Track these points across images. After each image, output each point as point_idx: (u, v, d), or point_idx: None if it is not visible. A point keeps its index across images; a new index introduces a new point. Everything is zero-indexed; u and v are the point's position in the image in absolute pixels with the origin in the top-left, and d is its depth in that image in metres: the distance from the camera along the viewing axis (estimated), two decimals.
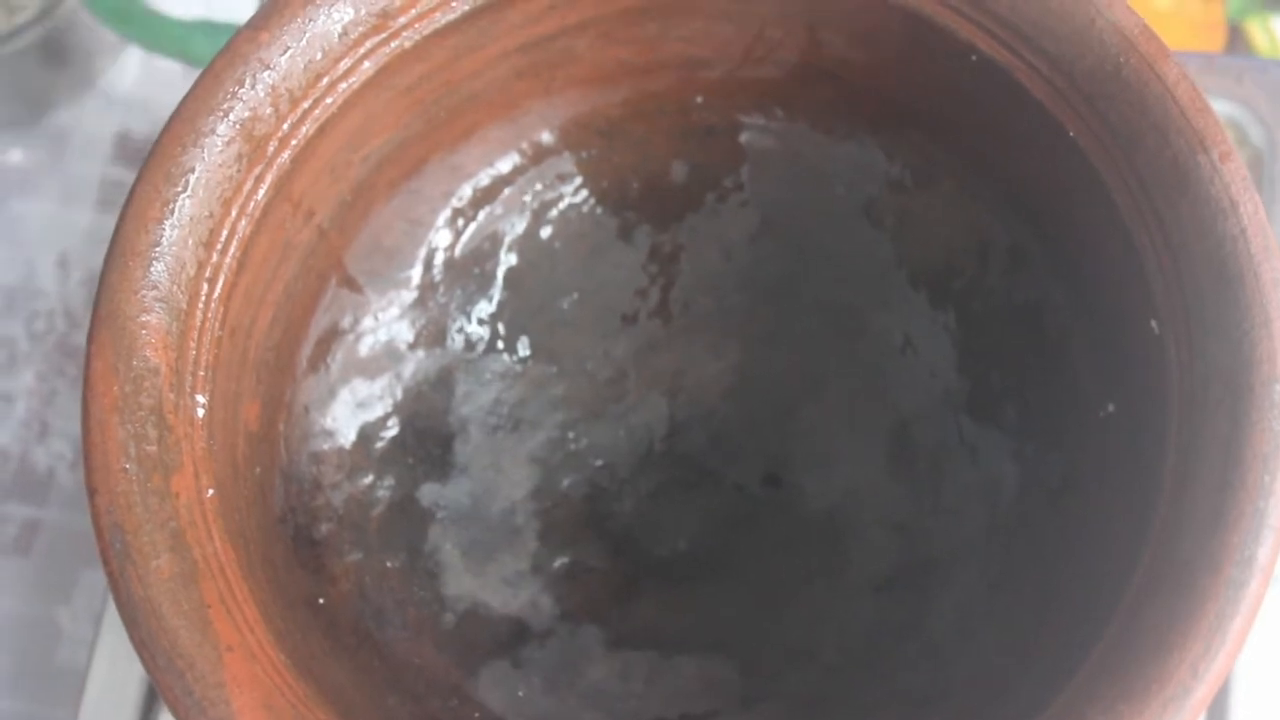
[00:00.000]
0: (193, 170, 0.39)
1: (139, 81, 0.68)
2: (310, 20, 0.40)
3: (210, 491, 0.38)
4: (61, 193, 0.65)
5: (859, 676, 0.45)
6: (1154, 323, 0.39)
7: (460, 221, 0.49)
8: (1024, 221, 0.45)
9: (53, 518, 0.60)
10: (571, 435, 0.50)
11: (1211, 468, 0.36)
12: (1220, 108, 0.54)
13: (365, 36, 0.41)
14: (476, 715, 0.44)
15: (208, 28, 0.60)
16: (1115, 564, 0.38)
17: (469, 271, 0.49)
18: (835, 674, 0.46)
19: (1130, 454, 0.41)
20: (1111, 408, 0.43)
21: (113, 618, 0.50)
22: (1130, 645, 0.35)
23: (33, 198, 0.65)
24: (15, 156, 0.66)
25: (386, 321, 0.48)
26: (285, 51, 0.40)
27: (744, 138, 0.49)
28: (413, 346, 0.48)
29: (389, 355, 0.48)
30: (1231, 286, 0.37)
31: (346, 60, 0.41)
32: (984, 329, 0.47)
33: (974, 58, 0.42)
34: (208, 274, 0.39)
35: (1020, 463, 0.46)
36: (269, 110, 0.40)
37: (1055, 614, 0.41)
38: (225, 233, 0.40)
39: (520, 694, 0.45)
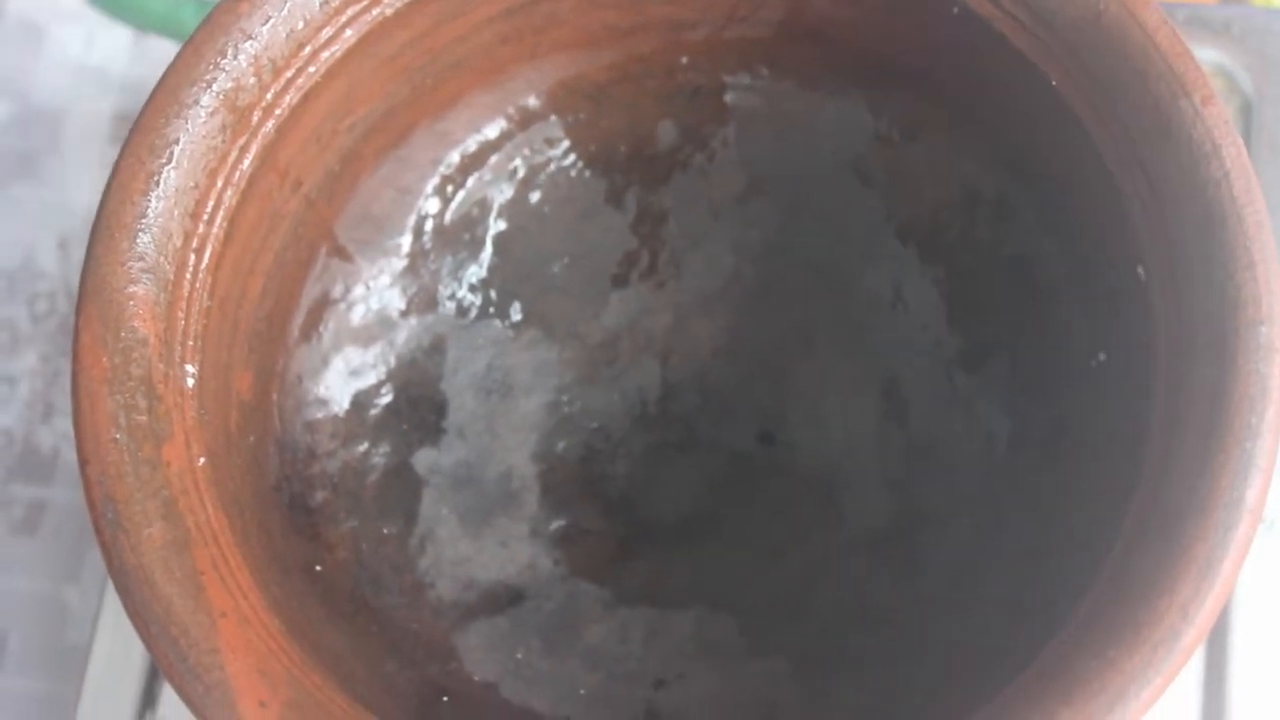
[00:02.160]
0: (177, 142, 0.39)
1: (133, 61, 0.68)
2: None
3: (202, 460, 0.38)
4: (59, 175, 0.65)
5: (855, 631, 0.46)
6: (1140, 269, 0.39)
7: (449, 188, 0.49)
8: (1011, 173, 0.45)
9: (59, 497, 0.61)
10: (565, 399, 0.50)
11: (1199, 412, 0.36)
12: (1208, 56, 0.54)
13: (347, 4, 0.41)
14: (475, 678, 0.45)
15: (195, 3, 0.60)
16: (1107, 512, 0.38)
17: (459, 238, 0.49)
18: (831, 630, 0.46)
19: (1121, 402, 0.41)
20: (1103, 356, 0.43)
21: (114, 593, 0.50)
22: (1120, 590, 0.35)
23: (31, 181, 0.65)
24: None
25: (378, 289, 0.48)
26: (267, 21, 0.40)
27: (730, 98, 0.49)
28: (405, 314, 0.48)
29: (381, 323, 0.48)
30: (1215, 230, 0.37)
31: (328, 28, 0.41)
32: (974, 282, 0.47)
33: (955, 10, 0.42)
34: (194, 245, 0.39)
35: (1012, 415, 0.46)
36: (252, 80, 0.40)
37: (1048, 564, 0.41)
38: (211, 203, 0.40)
39: (519, 656, 0.45)
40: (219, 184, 0.40)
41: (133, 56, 0.68)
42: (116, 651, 0.50)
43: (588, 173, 0.50)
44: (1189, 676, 0.48)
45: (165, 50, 0.66)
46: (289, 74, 0.41)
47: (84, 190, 0.65)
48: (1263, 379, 0.36)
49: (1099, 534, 0.38)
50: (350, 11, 0.41)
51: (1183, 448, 0.36)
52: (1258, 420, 0.35)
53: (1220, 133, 0.38)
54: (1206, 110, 0.38)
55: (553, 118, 0.49)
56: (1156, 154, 0.38)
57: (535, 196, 0.50)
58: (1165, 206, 0.38)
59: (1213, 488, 0.35)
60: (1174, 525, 0.35)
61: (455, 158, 0.48)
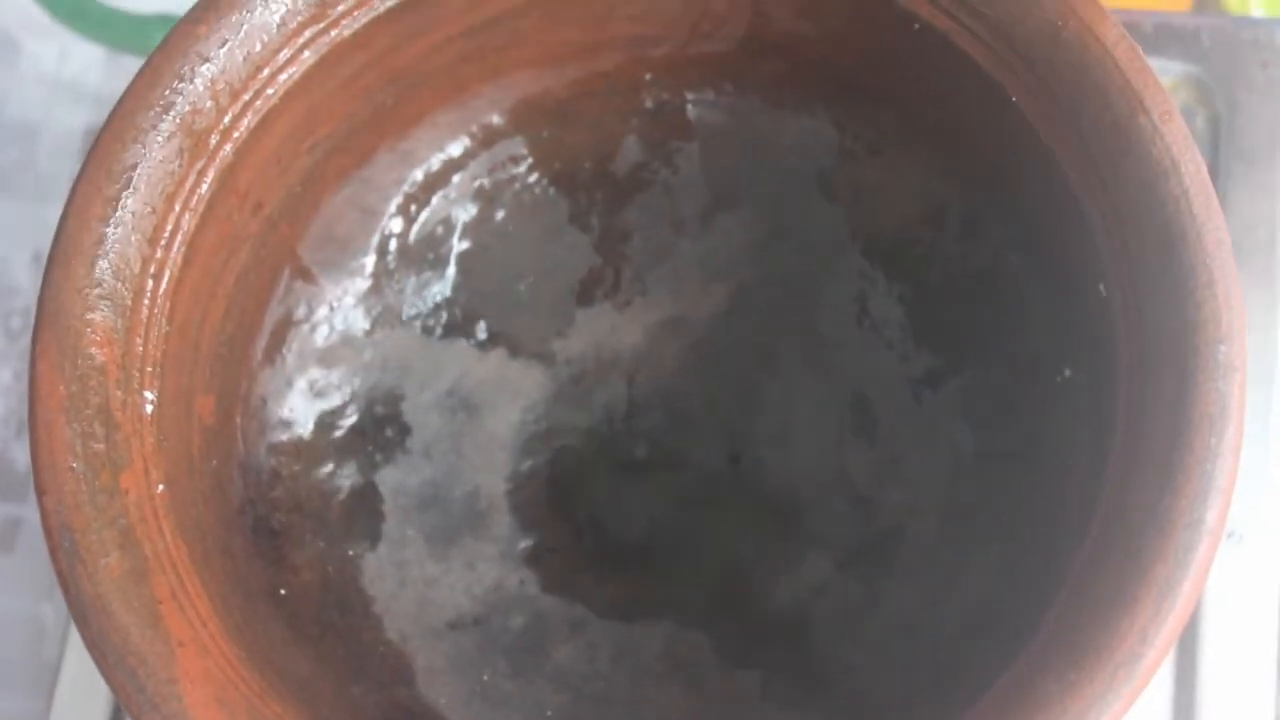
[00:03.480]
0: (134, 167, 0.39)
1: (108, 75, 0.68)
2: (248, 12, 0.40)
3: (161, 487, 0.38)
4: (34, 190, 0.65)
5: (822, 648, 0.45)
6: (1102, 286, 0.39)
7: (413, 208, 0.48)
8: (976, 189, 0.45)
9: (34, 515, 0.60)
10: (532, 418, 0.49)
11: (1160, 431, 0.36)
12: (1178, 67, 0.54)
13: (304, 26, 0.41)
14: (441, 701, 0.44)
15: (165, 22, 0.60)
16: (1069, 531, 0.38)
17: (423, 257, 0.49)
18: (799, 646, 0.46)
19: (1085, 419, 0.41)
20: (1068, 373, 0.43)
21: None
22: (1080, 612, 0.35)
23: (4, 195, 0.65)
24: None
25: (342, 310, 0.48)
26: (223, 44, 0.40)
27: (694, 114, 0.49)
28: (369, 334, 0.48)
29: (345, 344, 0.48)
30: (1175, 248, 0.37)
31: (286, 51, 0.41)
32: (940, 298, 0.47)
33: (916, 25, 0.42)
34: (153, 270, 0.39)
35: (978, 431, 0.45)
36: (209, 104, 0.40)
37: (1012, 584, 0.41)
38: (169, 228, 0.40)
39: (485, 678, 0.45)
40: (177, 209, 0.40)
41: (107, 71, 0.68)
42: (85, 671, 0.50)
43: (552, 190, 0.50)
44: (1159, 691, 0.48)
45: (137, 67, 0.66)
46: (246, 97, 0.41)
47: (58, 205, 0.64)
48: (1223, 398, 0.35)
49: (1061, 553, 0.38)
50: (308, 34, 0.41)
51: (1144, 468, 0.36)
52: (1217, 441, 0.35)
53: (1179, 149, 0.38)
54: (1165, 127, 0.38)
55: (517, 135, 0.49)
56: (1116, 171, 0.38)
57: (500, 215, 0.49)
58: (1125, 224, 0.38)
59: (1172, 508, 0.35)
60: (1134, 546, 0.35)
61: (419, 176, 0.48)
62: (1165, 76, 0.51)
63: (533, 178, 0.50)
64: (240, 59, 0.40)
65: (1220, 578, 0.49)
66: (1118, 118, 0.38)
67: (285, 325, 0.46)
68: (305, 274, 0.47)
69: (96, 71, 0.68)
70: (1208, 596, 0.48)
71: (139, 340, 0.39)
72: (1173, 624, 0.34)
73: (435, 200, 0.49)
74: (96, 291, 0.38)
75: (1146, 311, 0.37)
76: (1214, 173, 0.50)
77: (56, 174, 0.66)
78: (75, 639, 0.50)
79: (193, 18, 0.40)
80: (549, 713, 0.45)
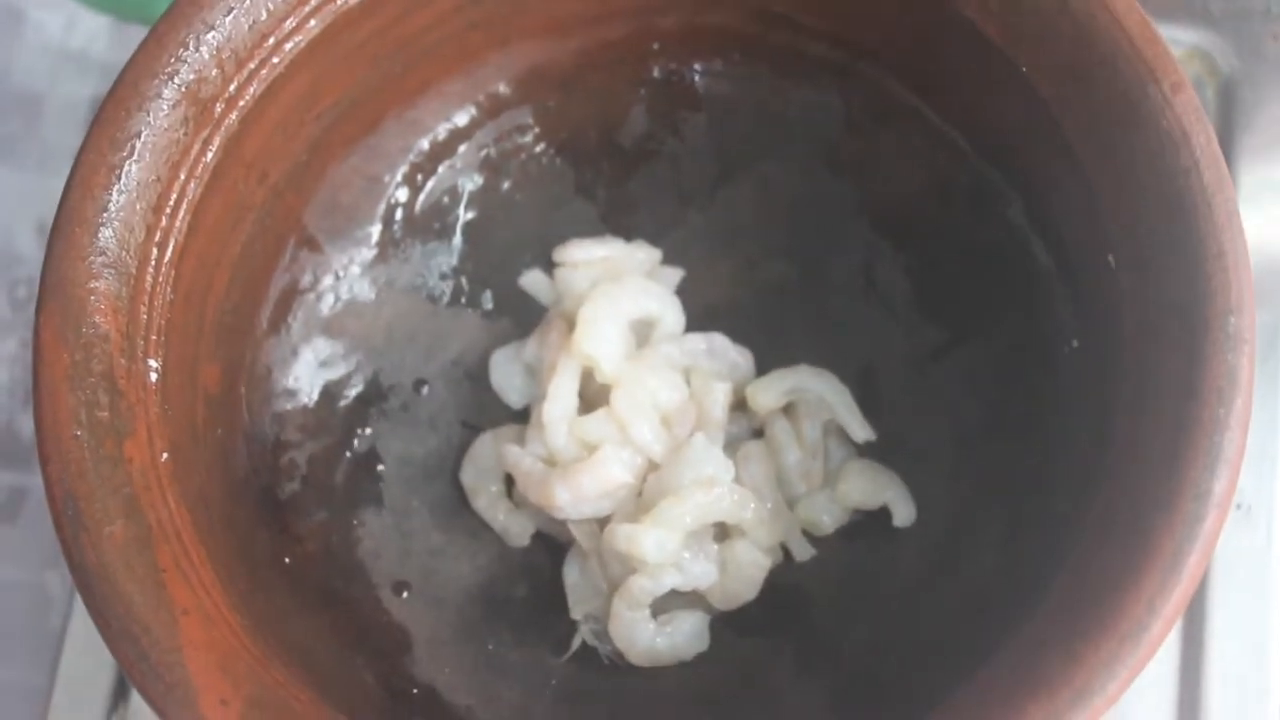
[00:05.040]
0: (138, 135, 0.39)
1: (114, 45, 0.67)
2: None
3: (165, 456, 0.38)
4: (39, 160, 0.65)
5: (825, 621, 0.45)
6: (1110, 257, 0.39)
7: (419, 177, 0.48)
8: (984, 161, 0.45)
9: (39, 484, 0.60)
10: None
11: (1168, 403, 0.36)
12: (1187, 37, 0.53)
13: None
14: (446, 670, 0.44)
15: None
16: (1075, 504, 0.38)
17: (429, 227, 0.49)
18: (806, 619, 0.46)
19: (1093, 391, 0.41)
20: (1075, 344, 0.43)
21: None
22: (1087, 584, 0.35)
23: (10, 165, 0.65)
24: None
25: (348, 279, 0.48)
26: (229, 12, 0.40)
27: (702, 85, 0.49)
28: (375, 303, 0.48)
29: (351, 313, 0.48)
30: (1184, 219, 0.37)
31: (292, 19, 0.41)
32: (947, 270, 0.47)
33: None
34: (157, 238, 0.39)
35: (984, 403, 0.45)
36: (214, 72, 0.40)
37: (1017, 556, 0.41)
38: (174, 196, 0.39)
39: (490, 648, 0.45)
40: (182, 177, 0.40)
41: (113, 40, 0.68)
42: (90, 641, 0.50)
43: (558, 160, 0.50)
44: (1165, 663, 0.48)
45: (141, 36, 0.66)
46: (252, 65, 0.41)
47: (63, 176, 0.64)
48: (1231, 370, 0.35)
49: (1067, 526, 0.38)
50: (314, 2, 0.41)
51: (1151, 440, 0.36)
52: (1226, 413, 0.35)
53: (1190, 121, 0.37)
54: (1176, 98, 0.38)
55: (523, 105, 0.49)
56: (1126, 142, 0.38)
57: (506, 185, 0.49)
58: (1135, 195, 0.38)
59: (1181, 480, 0.35)
60: (1141, 518, 0.35)
61: (425, 146, 0.48)
62: (1176, 48, 0.51)
63: (539, 148, 0.49)
64: (246, 27, 0.40)
65: (1227, 550, 0.48)
66: (1127, 88, 0.38)
67: (291, 294, 0.46)
68: (311, 243, 0.46)
69: (102, 41, 0.67)
70: (1215, 569, 0.48)
71: (143, 308, 0.39)
72: (1179, 596, 0.34)
73: (441, 170, 0.49)
74: (100, 260, 0.38)
75: (1155, 282, 0.37)
76: (1224, 144, 0.50)
77: (62, 144, 0.66)
78: (80, 608, 0.50)
79: None
80: (553, 682, 0.45)
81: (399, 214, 0.48)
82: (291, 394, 0.46)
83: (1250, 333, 0.36)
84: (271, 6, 0.40)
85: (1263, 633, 0.48)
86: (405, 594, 0.46)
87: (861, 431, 0.46)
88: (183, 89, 0.39)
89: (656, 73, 0.48)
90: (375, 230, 0.48)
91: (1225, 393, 0.35)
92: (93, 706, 0.50)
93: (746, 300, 0.49)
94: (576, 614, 0.46)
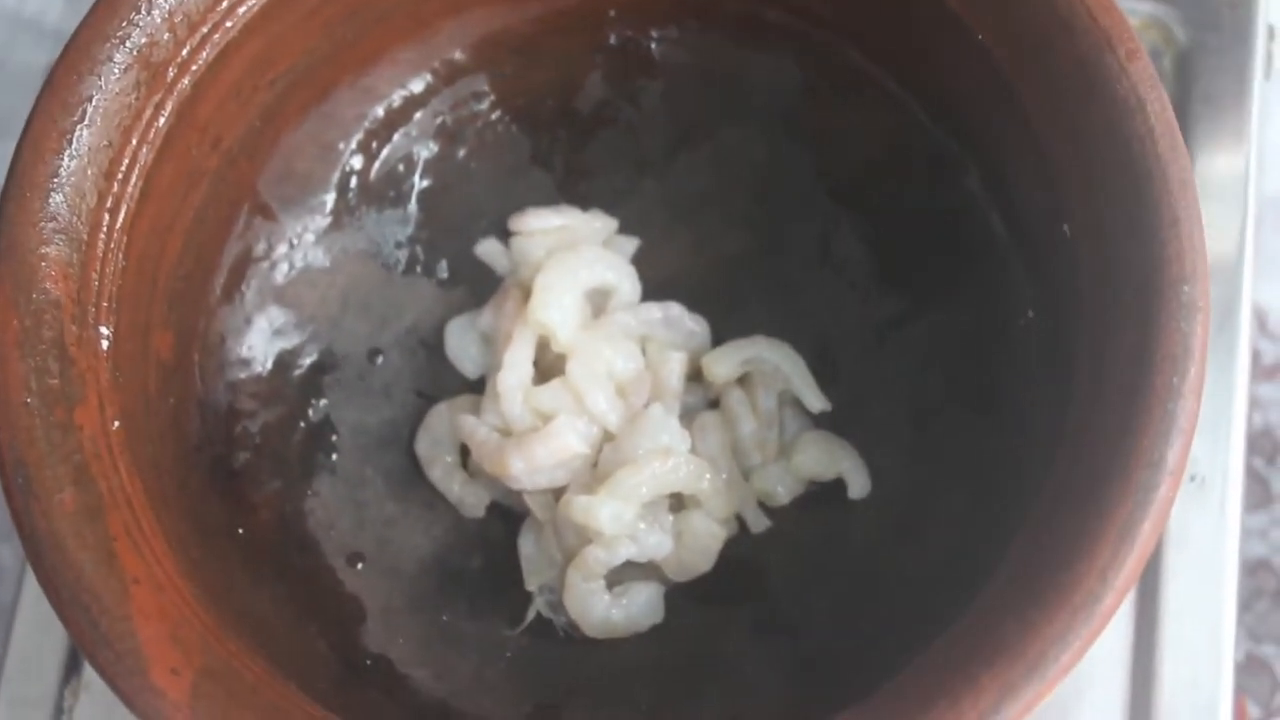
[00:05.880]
0: (90, 99, 0.39)
1: (68, 13, 0.67)
2: None
3: (116, 423, 0.38)
4: None
5: (784, 593, 0.45)
6: (1066, 227, 0.39)
7: (373, 144, 0.48)
8: (943, 130, 0.45)
9: None
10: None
11: (1122, 371, 0.36)
12: (1143, 7, 0.53)
13: None
14: (400, 641, 0.44)
15: None
16: (1032, 473, 0.38)
17: (384, 195, 0.48)
18: (761, 590, 0.46)
19: (1049, 360, 0.41)
20: (1031, 314, 0.43)
21: None
22: (1041, 553, 0.35)
23: None
24: None
25: (302, 247, 0.47)
26: None
27: (658, 51, 0.48)
28: (329, 271, 0.48)
29: (305, 281, 0.47)
30: (1139, 187, 0.37)
31: None
32: (904, 239, 0.47)
33: None
34: (109, 204, 0.39)
35: (942, 373, 0.45)
36: (166, 36, 0.40)
37: (975, 526, 0.41)
38: (126, 162, 0.39)
39: (444, 619, 0.45)
40: (134, 142, 0.39)
41: (68, 7, 0.67)
42: (41, 612, 0.49)
43: (514, 128, 0.49)
44: (1119, 633, 0.48)
45: None
46: (205, 29, 0.40)
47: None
48: (1185, 338, 0.35)
49: (1025, 495, 0.38)
50: None
51: (1106, 408, 0.36)
52: (1180, 380, 0.35)
53: (1145, 88, 0.37)
54: (1132, 65, 0.38)
55: (479, 72, 0.48)
56: (1081, 110, 0.38)
57: (461, 153, 0.49)
58: (1090, 163, 0.38)
59: (1133, 448, 0.35)
60: (1095, 487, 0.35)
61: (379, 113, 0.48)
62: (1133, 17, 0.51)
63: (495, 115, 0.49)
64: None
65: (1181, 523, 0.49)
66: (1084, 56, 0.38)
67: (244, 262, 0.46)
68: (265, 210, 0.46)
69: (57, 9, 0.67)
70: (1169, 541, 0.48)
71: (95, 275, 0.38)
72: (1132, 565, 0.34)
73: (396, 137, 0.48)
74: (51, 225, 0.37)
75: (1110, 252, 0.37)
76: (1180, 114, 0.50)
77: (15, 111, 0.65)
78: (31, 580, 0.50)
79: None
80: (508, 653, 0.45)
81: (353, 182, 0.48)
82: (245, 362, 0.46)
83: (1204, 300, 0.36)
84: None
85: (1216, 605, 0.48)
86: (359, 564, 0.45)
87: (817, 402, 0.46)
88: (134, 53, 0.39)
89: (613, 40, 0.48)
90: (330, 198, 0.48)
91: (1179, 360, 0.35)
92: (45, 678, 0.49)
93: (703, 269, 0.49)
94: (531, 585, 0.46)
